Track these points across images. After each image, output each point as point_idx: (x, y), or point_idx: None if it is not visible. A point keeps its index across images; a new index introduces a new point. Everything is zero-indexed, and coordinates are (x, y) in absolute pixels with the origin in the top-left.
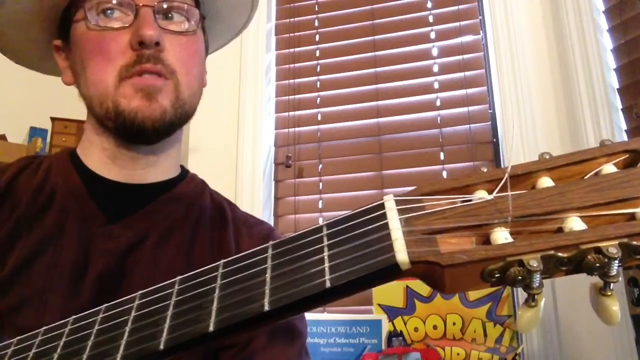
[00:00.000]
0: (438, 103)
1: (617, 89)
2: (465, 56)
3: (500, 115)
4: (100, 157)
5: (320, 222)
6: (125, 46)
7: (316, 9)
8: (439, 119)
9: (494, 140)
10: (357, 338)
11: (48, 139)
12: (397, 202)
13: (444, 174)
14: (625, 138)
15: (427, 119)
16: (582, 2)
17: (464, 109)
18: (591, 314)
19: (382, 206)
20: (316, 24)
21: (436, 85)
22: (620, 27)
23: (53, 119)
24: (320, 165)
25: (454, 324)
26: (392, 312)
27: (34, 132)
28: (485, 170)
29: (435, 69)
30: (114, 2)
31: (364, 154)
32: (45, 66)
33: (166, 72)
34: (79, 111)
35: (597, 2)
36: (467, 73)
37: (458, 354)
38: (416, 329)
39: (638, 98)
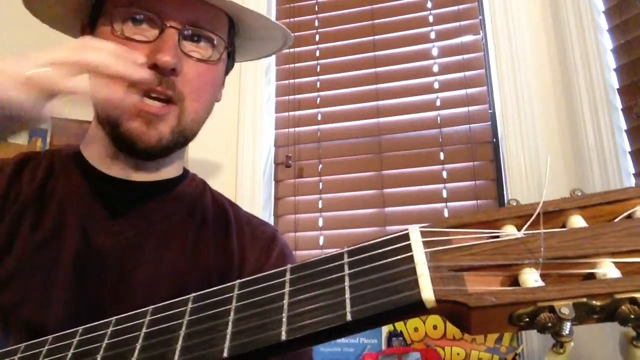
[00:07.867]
0: (438, 103)
1: (617, 89)
2: (465, 56)
3: (500, 115)
4: (102, 153)
5: (320, 223)
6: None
7: (316, 9)
8: (439, 119)
9: (494, 140)
10: (357, 338)
11: (48, 139)
12: (423, 234)
13: (444, 174)
14: (625, 138)
15: (427, 119)
16: (582, 2)
17: (464, 109)
18: None
19: (406, 237)
20: (316, 24)
21: (436, 85)
22: (620, 27)
23: (53, 119)
24: (320, 165)
25: None
26: None
27: (34, 132)
28: (514, 204)
29: (435, 69)
30: (142, 15)
31: (364, 154)
32: (73, 32)
33: (175, 98)
34: (79, 111)
35: (597, 2)
36: (467, 73)
37: (458, 354)
38: (416, 329)
39: (638, 98)
